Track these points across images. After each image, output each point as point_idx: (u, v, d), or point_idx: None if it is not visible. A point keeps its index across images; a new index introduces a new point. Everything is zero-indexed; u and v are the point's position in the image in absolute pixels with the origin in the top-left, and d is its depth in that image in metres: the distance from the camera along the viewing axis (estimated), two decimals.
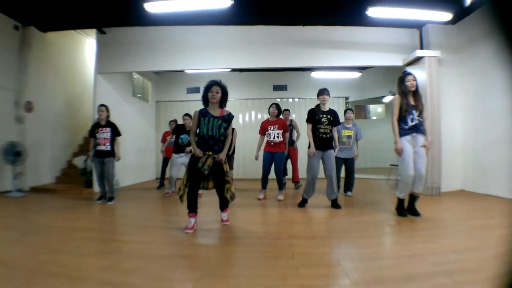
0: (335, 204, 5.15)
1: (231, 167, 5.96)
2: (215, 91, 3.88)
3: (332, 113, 5.14)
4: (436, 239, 3.42)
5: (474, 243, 3.18)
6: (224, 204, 4.15)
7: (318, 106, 5.17)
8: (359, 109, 14.48)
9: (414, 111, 4.35)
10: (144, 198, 6.24)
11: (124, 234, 3.97)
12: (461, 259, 2.72)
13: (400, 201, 4.48)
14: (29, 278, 2.41)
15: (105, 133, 5.84)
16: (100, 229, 4.17)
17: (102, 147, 5.81)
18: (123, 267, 2.68)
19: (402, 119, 4.40)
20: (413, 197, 4.44)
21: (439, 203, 5.53)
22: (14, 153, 6.58)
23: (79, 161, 7.58)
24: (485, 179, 6.22)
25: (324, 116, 5.07)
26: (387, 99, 11.28)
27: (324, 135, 5.05)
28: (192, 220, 3.90)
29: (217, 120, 3.89)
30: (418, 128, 4.36)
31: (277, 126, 6.03)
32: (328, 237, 3.60)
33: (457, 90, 6.81)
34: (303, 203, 5.29)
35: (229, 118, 4.00)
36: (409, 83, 4.37)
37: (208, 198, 6.09)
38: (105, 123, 5.89)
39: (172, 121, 7.93)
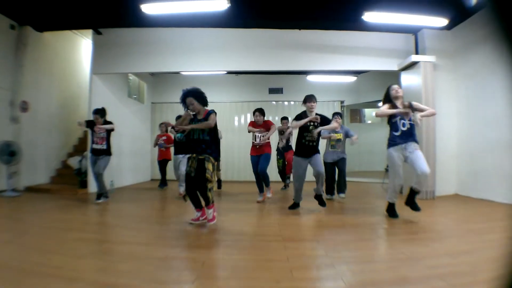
0: (319, 199, 5.16)
1: (218, 169, 6.01)
2: (189, 103, 4.12)
3: (320, 118, 5.02)
4: (430, 242, 3.43)
5: (468, 247, 3.19)
6: (205, 200, 4.18)
7: (305, 112, 5.07)
8: (354, 113, 14.54)
9: (404, 116, 4.40)
10: (139, 199, 6.22)
11: (118, 235, 3.95)
12: (455, 262, 2.74)
13: (390, 205, 4.57)
14: (23, 279, 2.39)
15: (102, 133, 5.89)
16: (95, 230, 4.16)
17: (98, 146, 5.88)
18: (118, 268, 2.67)
19: (392, 126, 4.47)
20: (413, 192, 4.38)
21: (433, 207, 5.56)
22: (9, 153, 6.53)
23: (73, 162, 7.53)
24: (479, 183, 6.25)
25: (312, 124, 4.98)
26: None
27: (310, 143, 4.99)
28: (198, 213, 4.30)
29: (200, 123, 4.13)
30: (411, 134, 4.35)
31: (262, 129, 6.08)
32: (323, 240, 3.61)
33: (452, 95, 6.85)
34: (294, 206, 5.25)
35: (208, 116, 4.17)
36: (393, 91, 4.54)
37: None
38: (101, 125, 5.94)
39: (162, 123, 7.91)
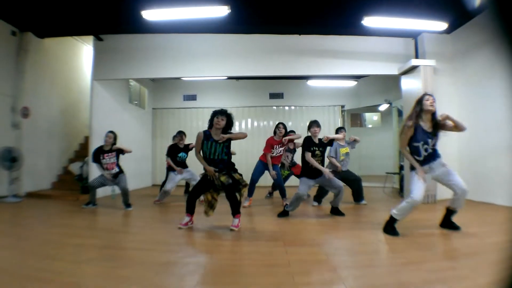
0: (337, 211, 5.17)
1: None
2: (220, 118, 4.19)
3: (323, 145, 5.16)
4: (431, 246, 3.43)
5: (469, 250, 3.19)
6: (235, 210, 4.31)
7: (310, 138, 5.13)
8: (355, 117, 14.54)
9: (429, 140, 3.79)
10: (139, 205, 6.21)
11: (119, 241, 3.95)
12: (456, 266, 2.74)
13: (392, 220, 3.91)
14: (23, 284, 2.39)
15: (112, 158, 5.97)
16: (96, 236, 4.14)
17: (111, 171, 5.96)
18: (118, 274, 2.67)
19: (414, 150, 3.85)
20: (451, 212, 4.11)
21: (434, 211, 5.53)
22: (10, 159, 6.55)
23: (75, 167, 7.54)
24: (480, 187, 6.23)
25: (317, 149, 5.07)
26: (383, 107, 11.32)
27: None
28: (187, 218, 4.36)
29: (219, 144, 4.21)
30: (435, 155, 3.88)
31: (280, 145, 6.28)
32: (324, 245, 3.60)
33: (452, 98, 6.85)
34: (284, 214, 5.12)
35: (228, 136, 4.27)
36: (428, 102, 3.78)
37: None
38: (109, 148, 5.99)
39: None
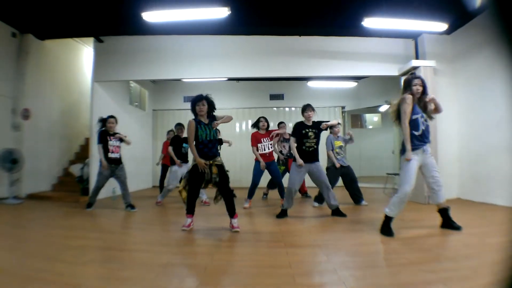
0: (338, 213, 5.14)
1: None
2: (201, 104, 4.23)
3: (317, 125, 5.15)
4: (432, 247, 3.42)
5: (470, 251, 3.18)
6: (232, 210, 4.29)
7: (302, 122, 5.17)
8: (355, 118, 14.55)
9: (424, 114, 3.97)
10: (140, 207, 6.20)
11: (120, 242, 3.94)
12: (457, 266, 2.73)
13: (387, 219, 3.93)
14: (24, 285, 2.39)
15: (117, 141, 5.98)
16: (96, 237, 4.15)
17: (115, 155, 5.92)
18: (119, 275, 2.67)
19: (413, 123, 3.89)
20: (445, 210, 4.12)
21: (435, 212, 5.53)
22: (11, 160, 6.56)
23: (75, 169, 7.54)
24: (481, 187, 6.24)
25: (310, 130, 5.09)
26: (383, 108, 11.33)
27: (309, 149, 5.06)
28: (189, 220, 4.32)
29: (209, 126, 4.26)
30: (427, 134, 3.96)
31: (268, 138, 6.27)
32: (325, 246, 3.59)
33: (452, 99, 6.86)
34: (282, 215, 5.13)
35: (212, 121, 4.33)
36: (415, 87, 3.93)
37: (207, 208, 6.16)
38: (113, 132, 5.97)
39: (170, 130, 7.89)
